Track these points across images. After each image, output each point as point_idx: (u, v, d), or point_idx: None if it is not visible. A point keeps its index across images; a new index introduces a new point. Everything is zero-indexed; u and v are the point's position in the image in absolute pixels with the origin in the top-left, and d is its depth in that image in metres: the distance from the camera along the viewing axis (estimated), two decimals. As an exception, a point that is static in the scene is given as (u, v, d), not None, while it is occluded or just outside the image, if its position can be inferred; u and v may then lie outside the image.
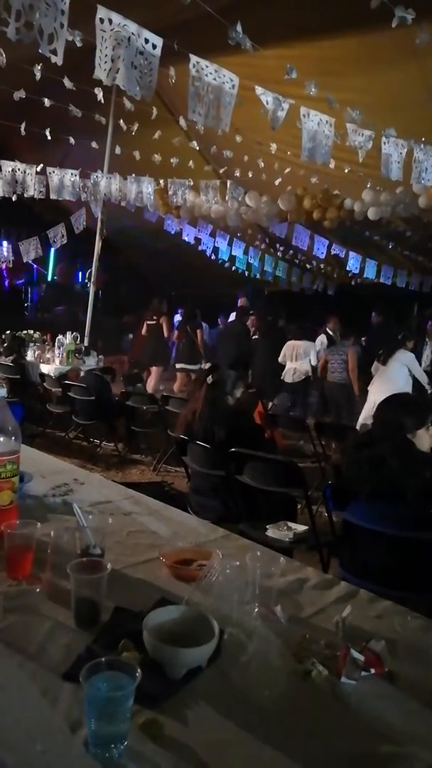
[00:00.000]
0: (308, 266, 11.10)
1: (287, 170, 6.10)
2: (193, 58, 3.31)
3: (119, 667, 0.97)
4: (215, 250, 10.05)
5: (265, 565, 1.36)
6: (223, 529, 1.87)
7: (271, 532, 2.98)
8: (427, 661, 1.16)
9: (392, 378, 5.86)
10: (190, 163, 6.93)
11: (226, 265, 11.25)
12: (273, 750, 0.94)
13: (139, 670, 0.95)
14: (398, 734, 1.00)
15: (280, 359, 7.83)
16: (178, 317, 11.37)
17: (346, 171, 5.83)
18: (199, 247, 10.04)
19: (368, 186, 6.34)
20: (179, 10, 3.77)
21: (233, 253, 9.94)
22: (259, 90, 3.56)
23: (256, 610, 1.25)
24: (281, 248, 10.00)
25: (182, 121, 5.15)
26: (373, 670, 1.11)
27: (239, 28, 3.16)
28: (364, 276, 9.40)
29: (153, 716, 0.97)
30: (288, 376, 7.86)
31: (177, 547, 1.63)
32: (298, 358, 7.81)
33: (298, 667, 1.11)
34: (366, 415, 5.86)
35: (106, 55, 2.94)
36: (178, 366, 9.40)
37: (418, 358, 8.38)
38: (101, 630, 1.21)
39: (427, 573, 2.49)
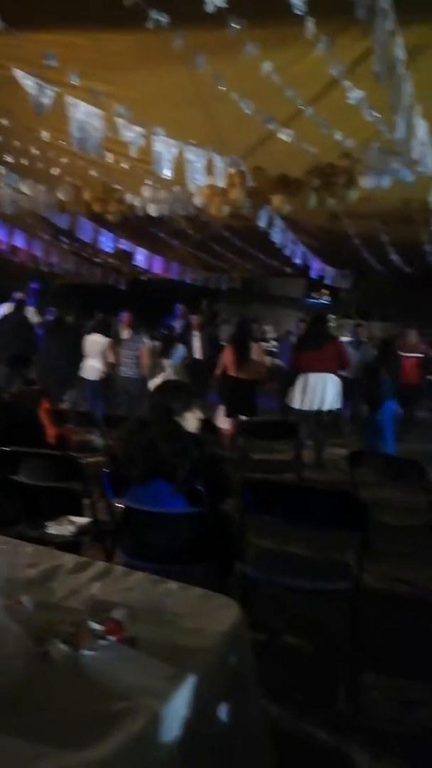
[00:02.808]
0: (96, 260, 11.03)
1: (64, 160, 5.95)
2: None
3: None
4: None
5: (11, 558, 1.33)
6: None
7: (52, 528, 2.92)
8: (163, 621, 1.25)
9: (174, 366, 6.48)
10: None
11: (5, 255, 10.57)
12: (7, 736, 0.93)
13: None
14: (132, 691, 1.06)
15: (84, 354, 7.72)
16: None
17: (124, 166, 5.88)
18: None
19: (148, 183, 6.48)
20: None
21: (15, 244, 9.41)
22: (19, 74, 3.41)
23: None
24: (67, 240, 9.77)
25: None
26: (113, 637, 1.16)
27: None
28: (153, 271, 9.67)
29: None
30: (86, 372, 7.76)
31: None
32: (94, 355, 7.75)
33: (37, 650, 1.11)
34: None
35: None
36: None
37: (191, 348, 9.03)
38: None
39: (201, 545, 2.68)
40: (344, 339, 8.31)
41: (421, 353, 7.69)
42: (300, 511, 2.44)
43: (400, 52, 2.63)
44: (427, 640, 2.80)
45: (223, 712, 1.21)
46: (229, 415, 6.05)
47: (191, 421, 2.69)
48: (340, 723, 2.19)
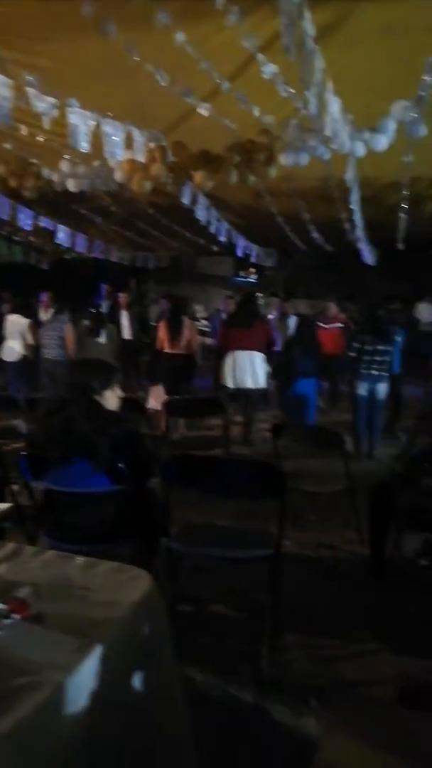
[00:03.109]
0: (15, 238, 10.59)
1: (-25, 132, 5.64)
2: None
3: None
4: None
5: None
6: None
7: (-28, 515, 2.82)
8: (71, 596, 1.25)
9: (100, 347, 6.42)
10: None
11: None
12: None
13: None
14: (37, 665, 1.05)
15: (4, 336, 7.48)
16: None
17: (40, 139, 5.65)
18: None
19: (66, 157, 6.26)
20: None
21: None
22: None
23: None
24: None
25: None
26: (18, 616, 1.14)
27: None
28: (77, 250, 9.40)
29: None
30: (5, 354, 7.51)
31: None
32: (14, 336, 7.52)
33: None
34: None
35: None
36: None
37: (120, 327, 8.96)
38: None
39: (126, 523, 2.67)
40: (270, 316, 8.47)
41: (341, 323, 7.90)
42: (221, 484, 2.49)
43: (309, 27, 2.64)
44: (345, 598, 2.95)
45: (134, 680, 1.23)
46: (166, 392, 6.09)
47: (112, 399, 2.67)
48: (262, 683, 2.28)
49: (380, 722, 1.90)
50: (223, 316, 8.49)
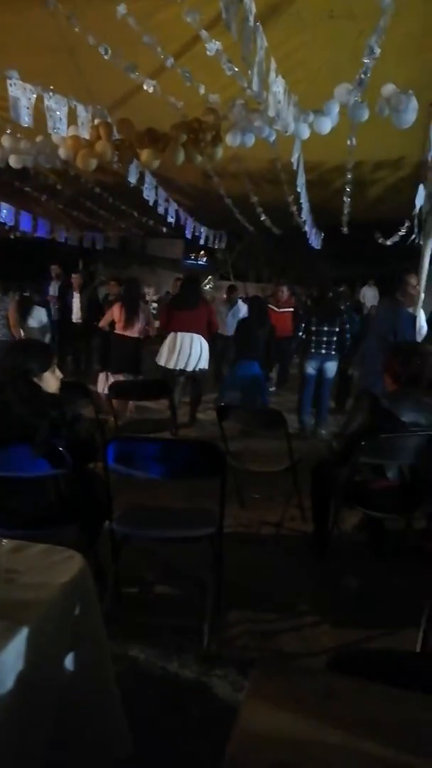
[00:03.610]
0: None
1: None
2: None
3: None
4: None
5: None
6: None
7: None
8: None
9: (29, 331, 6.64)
10: None
11: None
12: None
13: None
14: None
15: None
16: None
17: (-22, 112, 5.40)
18: None
19: (8, 132, 6.02)
20: None
21: None
22: None
23: None
24: None
25: None
26: None
27: None
28: (21, 228, 9.10)
29: None
30: None
31: None
32: None
33: None
34: None
35: None
36: None
37: (69, 308, 8.75)
38: None
39: (69, 507, 2.64)
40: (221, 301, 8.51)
41: (292, 307, 8.08)
42: (162, 465, 2.49)
43: (251, 4, 2.62)
44: (287, 574, 3.03)
45: (65, 659, 1.22)
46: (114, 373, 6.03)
47: (51, 381, 2.61)
48: (203, 659, 2.32)
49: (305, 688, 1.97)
50: None
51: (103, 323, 6.35)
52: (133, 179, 5.68)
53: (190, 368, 5.85)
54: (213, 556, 2.57)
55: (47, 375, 2.58)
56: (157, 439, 2.90)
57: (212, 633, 2.44)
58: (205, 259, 15.45)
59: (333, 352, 5.81)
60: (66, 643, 1.22)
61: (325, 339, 5.78)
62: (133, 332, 6.07)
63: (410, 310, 4.97)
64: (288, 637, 2.51)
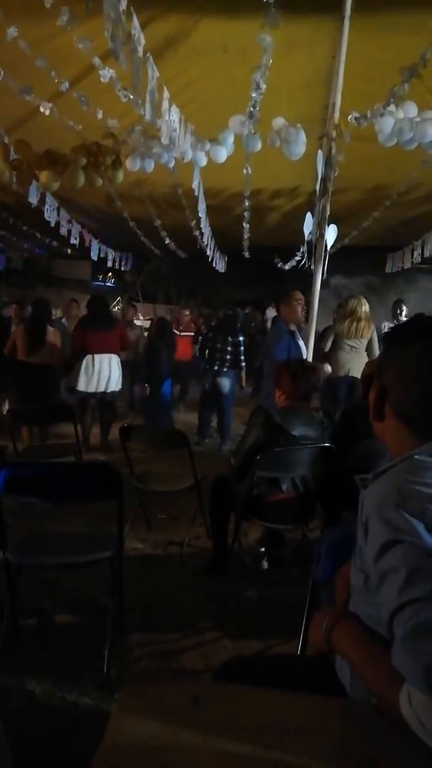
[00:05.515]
0: None
1: None
2: None
3: None
4: None
5: None
6: None
7: None
8: None
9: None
10: None
11: None
12: None
13: None
14: None
15: None
16: None
17: None
18: None
19: None
20: None
21: None
22: None
23: None
24: None
25: None
26: None
27: None
28: None
29: None
30: None
31: None
32: None
33: None
34: None
35: None
36: None
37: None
38: None
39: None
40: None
41: (192, 332, 8.30)
42: (58, 489, 2.44)
43: (138, 35, 2.70)
44: (190, 593, 3.04)
45: None
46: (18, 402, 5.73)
47: None
48: (103, 685, 2.27)
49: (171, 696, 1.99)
50: (64, 321, 8.33)
51: (6, 350, 5.85)
52: (33, 200, 5.60)
53: (109, 390, 5.76)
54: (112, 579, 2.54)
55: None
56: (51, 464, 2.84)
57: (114, 658, 2.40)
58: (113, 280, 15.36)
59: (225, 369, 6.06)
60: None
61: (218, 356, 6.05)
62: (39, 359, 5.64)
63: (294, 326, 5.13)
64: (189, 655, 2.52)
